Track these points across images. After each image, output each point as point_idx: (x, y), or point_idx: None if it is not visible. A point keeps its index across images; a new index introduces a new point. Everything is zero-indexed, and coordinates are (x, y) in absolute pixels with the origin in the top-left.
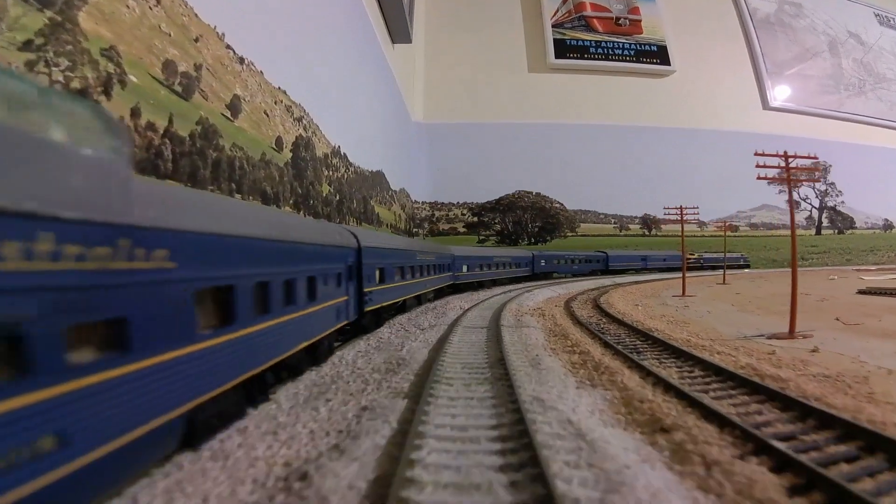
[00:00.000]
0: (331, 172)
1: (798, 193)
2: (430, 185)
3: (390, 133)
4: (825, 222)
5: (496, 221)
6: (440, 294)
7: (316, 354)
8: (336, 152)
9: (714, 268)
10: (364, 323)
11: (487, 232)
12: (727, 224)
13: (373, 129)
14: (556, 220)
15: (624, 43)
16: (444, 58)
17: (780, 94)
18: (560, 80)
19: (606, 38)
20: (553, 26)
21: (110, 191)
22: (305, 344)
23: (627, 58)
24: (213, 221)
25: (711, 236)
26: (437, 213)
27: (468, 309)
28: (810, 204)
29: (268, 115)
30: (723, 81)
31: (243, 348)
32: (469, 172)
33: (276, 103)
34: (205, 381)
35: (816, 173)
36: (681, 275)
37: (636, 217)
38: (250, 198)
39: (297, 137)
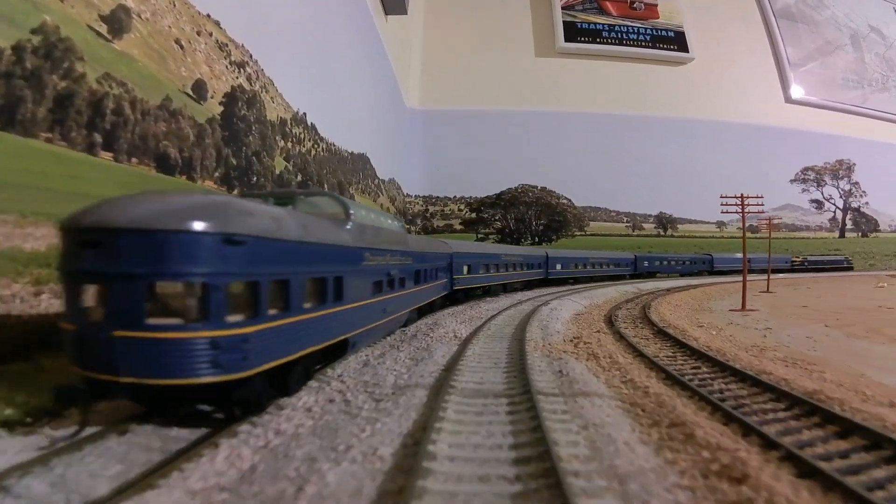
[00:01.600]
0: (290, 144)
1: (822, 193)
2: (425, 178)
3: (380, 114)
4: (849, 224)
5: (497, 218)
6: (530, 285)
7: (432, 306)
8: (298, 120)
9: (819, 270)
10: (457, 297)
11: (487, 230)
12: (770, 221)
13: (356, 103)
14: (562, 217)
15: (639, 28)
16: (444, 38)
17: (802, 87)
18: (569, 66)
19: (620, 22)
20: (563, 8)
21: (406, 241)
22: (434, 298)
23: (643, 43)
24: (416, 245)
25: (731, 238)
26: (431, 209)
27: (468, 338)
28: (834, 204)
29: (182, 48)
30: (743, 72)
31: (421, 293)
32: (468, 164)
33: (199, 35)
34: (415, 300)
35: None
36: (710, 280)
37: (650, 215)
38: (132, 160)
39: (233, 88)
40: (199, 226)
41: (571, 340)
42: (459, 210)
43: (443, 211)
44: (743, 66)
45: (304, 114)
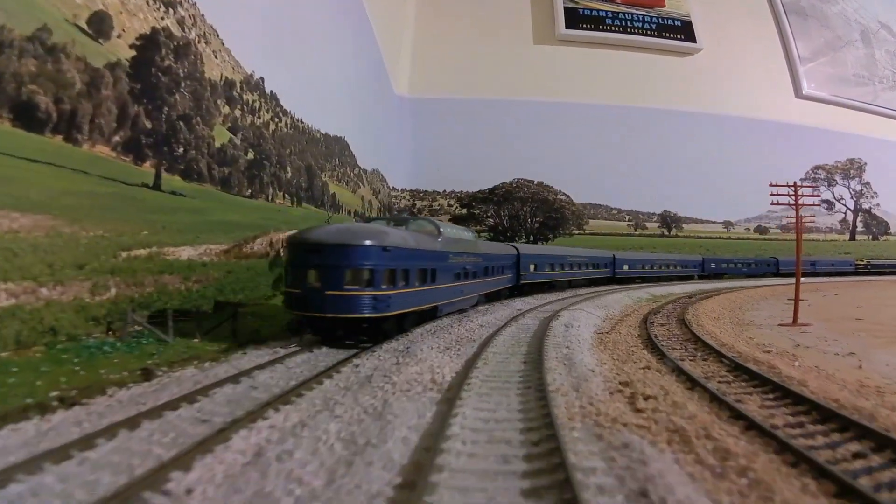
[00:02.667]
0: (240, 114)
1: (833, 193)
2: (412, 170)
3: (363, 96)
4: (859, 226)
5: (489, 215)
6: (595, 282)
7: (499, 293)
8: (253, 85)
9: (881, 273)
10: (523, 289)
11: (478, 227)
12: (801, 220)
13: (334, 79)
14: (560, 214)
15: (644, 15)
16: (437, 22)
17: (813, 81)
18: (570, 54)
19: (625, 9)
20: None
21: (476, 246)
22: (499, 288)
23: (648, 32)
24: (484, 248)
25: (739, 239)
26: (418, 204)
27: (453, 387)
28: (844, 205)
29: None
30: (753, 64)
31: (487, 283)
32: (459, 157)
33: None
34: (483, 288)
35: None
36: (729, 284)
37: (654, 214)
38: None
39: (154, 30)
40: (369, 242)
41: (620, 390)
42: (449, 205)
43: (431, 206)
44: (752, 59)
45: (262, 79)
